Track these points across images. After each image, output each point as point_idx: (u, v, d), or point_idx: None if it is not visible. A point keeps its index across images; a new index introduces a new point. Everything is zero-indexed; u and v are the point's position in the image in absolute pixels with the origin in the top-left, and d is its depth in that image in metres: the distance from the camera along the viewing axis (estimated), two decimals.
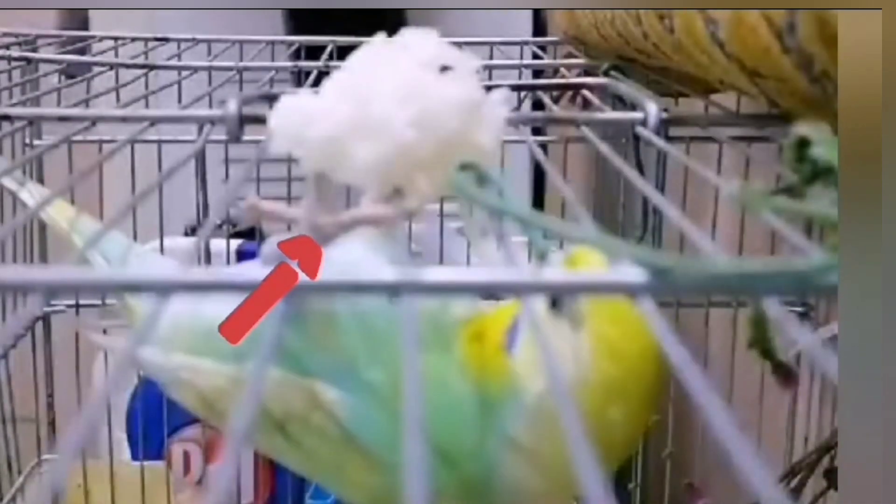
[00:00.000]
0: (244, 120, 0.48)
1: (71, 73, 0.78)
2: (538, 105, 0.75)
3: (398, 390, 0.41)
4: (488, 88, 0.39)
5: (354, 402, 0.44)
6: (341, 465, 0.46)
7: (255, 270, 0.24)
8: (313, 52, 0.88)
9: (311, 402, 0.45)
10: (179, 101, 0.76)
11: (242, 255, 0.94)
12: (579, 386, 0.40)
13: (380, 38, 0.40)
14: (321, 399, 0.45)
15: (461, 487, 0.44)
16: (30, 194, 0.54)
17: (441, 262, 0.63)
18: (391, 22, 0.49)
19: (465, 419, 0.43)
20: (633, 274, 0.25)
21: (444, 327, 0.44)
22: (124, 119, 0.51)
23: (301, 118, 0.37)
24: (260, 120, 0.45)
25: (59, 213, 0.54)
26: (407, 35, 0.39)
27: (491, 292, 0.35)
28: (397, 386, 0.42)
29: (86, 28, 1.19)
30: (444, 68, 0.38)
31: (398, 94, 0.36)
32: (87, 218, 0.55)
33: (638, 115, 0.49)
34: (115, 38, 0.90)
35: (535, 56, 0.90)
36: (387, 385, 0.43)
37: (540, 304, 0.37)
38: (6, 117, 0.51)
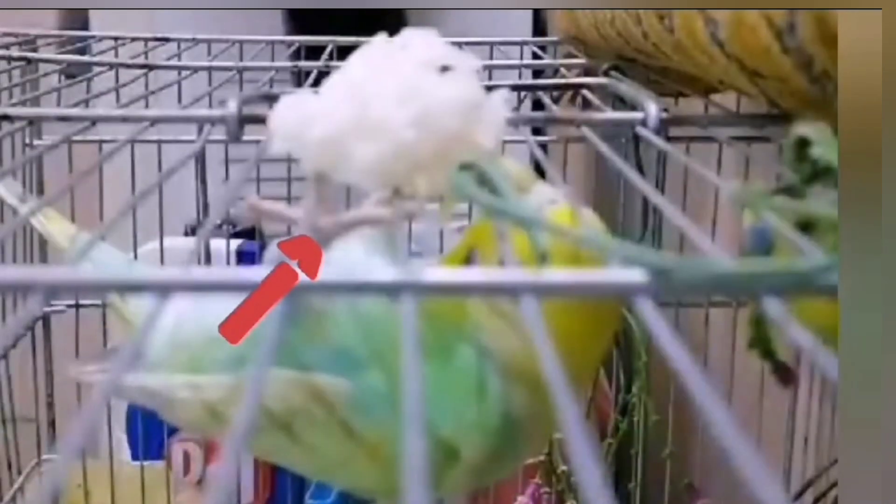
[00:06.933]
0: (244, 120, 0.48)
1: (71, 73, 0.78)
2: (538, 105, 0.75)
3: (397, 386, 0.41)
4: (488, 88, 0.39)
5: (354, 392, 0.44)
6: (345, 459, 0.46)
7: (255, 272, 0.24)
8: (313, 52, 0.88)
9: (312, 396, 0.45)
10: (179, 101, 0.76)
11: (242, 255, 0.93)
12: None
13: (380, 38, 0.40)
14: (321, 390, 0.44)
15: (466, 478, 0.44)
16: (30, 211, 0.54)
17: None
18: (391, 22, 0.49)
19: (454, 399, 0.43)
20: (633, 274, 0.25)
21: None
22: (124, 119, 0.51)
23: (301, 118, 0.37)
24: (260, 120, 0.45)
25: (57, 229, 0.53)
26: (407, 35, 0.39)
27: (490, 292, 0.35)
28: (396, 382, 0.42)
29: (86, 28, 1.19)
30: (444, 68, 0.38)
31: (398, 94, 0.36)
32: (85, 235, 0.54)
33: (638, 115, 0.49)
34: (115, 38, 0.90)
35: (535, 56, 0.90)
36: (386, 382, 0.43)
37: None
38: (6, 117, 0.50)
